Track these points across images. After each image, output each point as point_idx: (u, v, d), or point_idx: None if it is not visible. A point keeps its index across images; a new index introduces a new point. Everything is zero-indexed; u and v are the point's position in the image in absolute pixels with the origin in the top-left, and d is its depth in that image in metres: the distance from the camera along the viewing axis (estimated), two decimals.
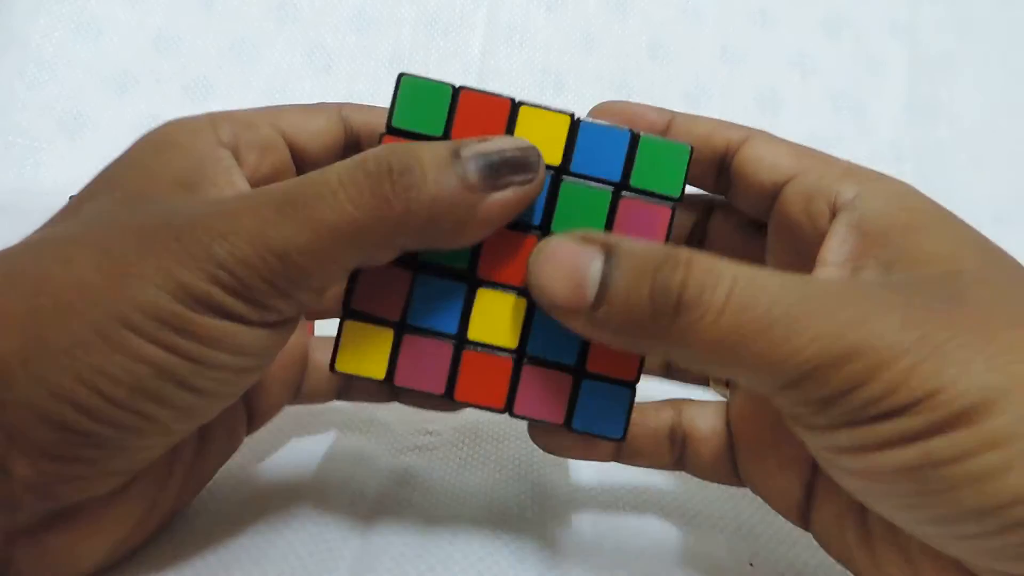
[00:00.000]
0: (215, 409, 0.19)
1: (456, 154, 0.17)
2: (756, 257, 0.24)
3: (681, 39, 0.57)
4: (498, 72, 0.55)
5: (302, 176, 0.18)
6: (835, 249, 0.19)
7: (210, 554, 0.21)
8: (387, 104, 0.20)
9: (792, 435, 0.21)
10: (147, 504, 0.20)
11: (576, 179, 0.20)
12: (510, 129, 0.19)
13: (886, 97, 0.58)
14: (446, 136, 0.19)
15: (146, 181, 0.20)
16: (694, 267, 0.16)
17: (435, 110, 0.19)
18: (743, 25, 0.57)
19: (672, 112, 0.23)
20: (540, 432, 0.23)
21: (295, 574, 0.21)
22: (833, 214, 0.20)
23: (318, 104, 0.23)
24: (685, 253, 0.17)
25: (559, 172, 0.20)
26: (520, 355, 0.19)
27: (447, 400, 0.19)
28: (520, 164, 0.18)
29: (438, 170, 0.17)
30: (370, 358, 0.19)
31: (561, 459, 0.26)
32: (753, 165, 0.22)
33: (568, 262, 0.17)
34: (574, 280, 0.17)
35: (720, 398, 0.26)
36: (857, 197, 0.20)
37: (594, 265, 0.17)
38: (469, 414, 0.30)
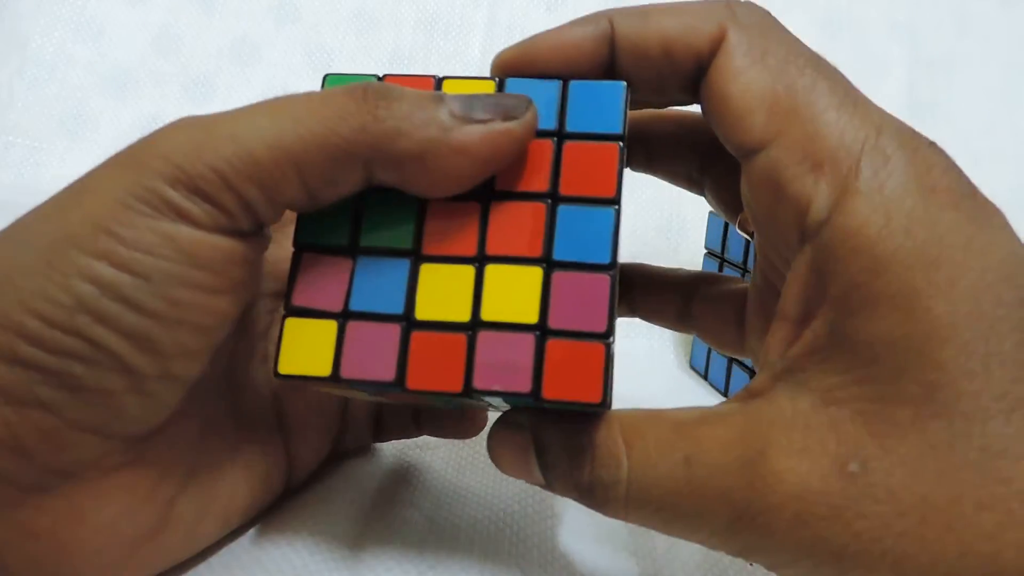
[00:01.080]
0: (177, 342, 0.17)
1: (439, 96, 0.17)
2: None
3: None
4: None
5: None
6: (794, 299, 0.17)
7: (211, 554, 0.21)
8: None
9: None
10: (155, 505, 0.19)
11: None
12: None
13: (886, 97, 0.57)
14: None
15: None
16: (596, 461, 0.17)
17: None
18: None
19: (609, 15, 0.18)
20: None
21: (296, 574, 0.21)
22: (801, 233, 0.16)
23: None
24: (589, 436, 0.17)
25: None
26: (474, 327, 0.17)
27: (401, 391, 0.17)
28: (505, 106, 0.17)
29: (417, 95, 0.17)
30: (314, 355, 0.17)
31: None
32: (721, 105, 0.17)
33: (511, 451, 0.19)
34: (523, 467, 0.19)
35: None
36: (828, 223, 0.16)
37: (530, 453, 0.18)
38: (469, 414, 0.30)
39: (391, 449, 0.28)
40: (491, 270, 0.17)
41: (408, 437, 0.27)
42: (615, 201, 0.17)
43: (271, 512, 0.24)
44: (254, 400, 0.23)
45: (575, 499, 0.18)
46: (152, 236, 0.16)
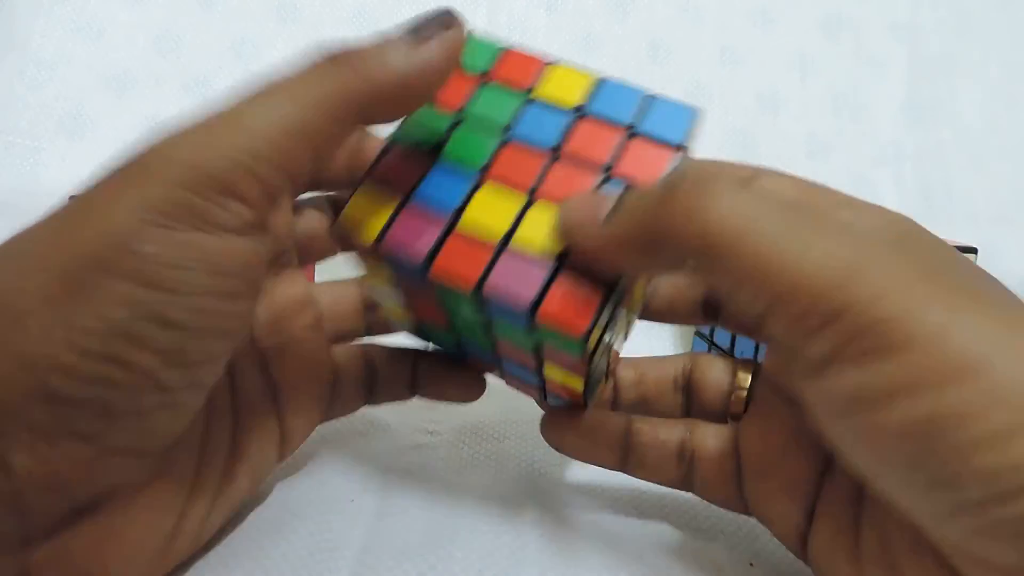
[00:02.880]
0: (205, 351, 0.17)
1: (388, 34, 0.19)
2: None
3: (681, 39, 0.57)
4: None
5: None
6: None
7: (210, 554, 0.21)
8: None
9: (797, 458, 0.22)
10: (176, 515, 0.19)
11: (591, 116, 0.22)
12: (535, 78, 0.22)
13: (886, 97, 0.58)
14: (485, 72, 0.22)
15: None
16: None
17: (484, 56, 0.23)
18: (743, 25, 0.57)
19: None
20: (551, 428, 0.24)
21: (296, 574, 0.21)
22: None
23: None
24: None
25: (578, 110, 0.22)
26: (502, 247, 0.19)
27: (422, 278, 0.19)
28: (440, 19, 0.19)
29: (372, 40, 0.19)
30: (369, 222, 0.20)
31: (561, 459, 0.26)
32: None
33: (592, 196, 0.19)
34: (594, 204, 0.19)
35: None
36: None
37: (612, 196, 0.19)
38: (470, 414, 0.30)
39: (391, 449, 0.28)
40: (537, 206, 0.20)
41: (401, 400, 0.27)
42: None
43: (271, 512, 0.24)
44: (250, 382, 0.22)
45: (642, 219, 0.18)
46: (176, 249, 0.16)
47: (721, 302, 0.24)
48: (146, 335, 0.16)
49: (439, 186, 0.20)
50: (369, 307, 0.27)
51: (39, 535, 0.16)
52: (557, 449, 0.25)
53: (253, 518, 0.23)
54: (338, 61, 0.18)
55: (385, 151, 0.21)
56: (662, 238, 0.17)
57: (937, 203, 0.55)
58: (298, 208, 0.24)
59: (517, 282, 0.19)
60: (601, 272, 0.19)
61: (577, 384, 0.22)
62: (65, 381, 0.15)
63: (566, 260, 0.19)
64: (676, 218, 0.17)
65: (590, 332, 0.18)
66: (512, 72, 0.22)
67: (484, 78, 0.22)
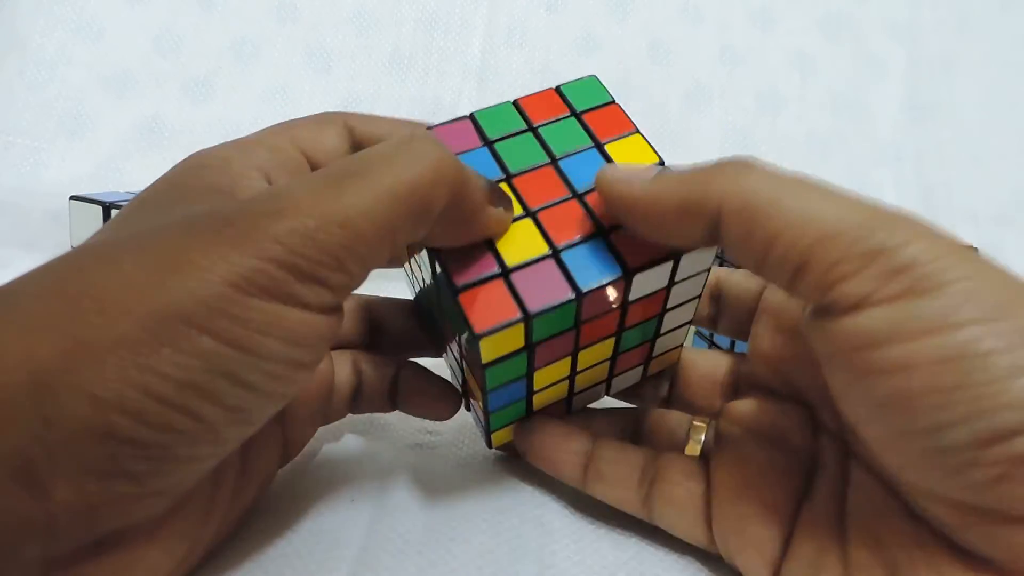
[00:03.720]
0: (264, 413, 0.18)
1: (480, 176, 0.21)
2: None
3: (681, 39, 0.57)
4: (498, 72, 0.55)
5: (348, 157, 0.19)
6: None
7: (211, 555, 0.21)
8: (382, 111, 0.25)
9: (773, 485, 0.22)
10: (190, 540, 0.19)
11: None
12: (613, 136, 0.24)
13: (886, 97, 0.58)
14: (579, 111, 0.24)
15: (181, 193, 0.20)
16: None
17: (591, 99, 0.25)
18: (743, 25, 0.58)
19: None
20: (520, 432, 0.25)
21: (295, 573, 0.21)
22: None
23: (323, 117, 0.24)
24: None
25: None
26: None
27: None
28: (506, 197, 0.22)
29: (474, 175, 0.20)
30: None
31: None
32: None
33: (636, 164, 0.21)
34: (639, 168, 0.21)
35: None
36: None
37: (655, 168, 0.20)
38: (470, 414, 0.30)
39: (391, 448, 0.28)
40: (525, 222, 0.22)
41: (383, 411, 0.27)
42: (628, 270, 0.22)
43: (271, 512, 0.24)
44: None
45: (687, 180, 0.19)
46: (261, 316, 0.16)
47: (752, 269, 0.25)
48: (218, 391, 0.16)
49: (473, 163, 0.23)
50: (362, 318, 0.27)
51: (60, 563, 0.16)
52: (523, 452, 0.26)
53: (253, 519, 0.23)
54: (444, 158, 0.19)
55: (459, 119, 0.24)
56: (705, 201, 0.19)
57: (937, 203, 0.55)
58: None
59: (468, 266, 0.21)
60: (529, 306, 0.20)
61: (479, 398, 0.23)
62: (130, 423, 0.15)
63: (511, 275, 0.21)
64: (721, 183, 0.19)
65: (488, 335, 0.20)
66: (600, 123, 0.24)
67: (574, 112, 0.24)
